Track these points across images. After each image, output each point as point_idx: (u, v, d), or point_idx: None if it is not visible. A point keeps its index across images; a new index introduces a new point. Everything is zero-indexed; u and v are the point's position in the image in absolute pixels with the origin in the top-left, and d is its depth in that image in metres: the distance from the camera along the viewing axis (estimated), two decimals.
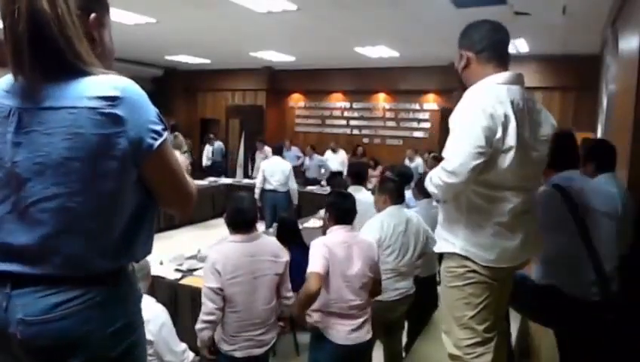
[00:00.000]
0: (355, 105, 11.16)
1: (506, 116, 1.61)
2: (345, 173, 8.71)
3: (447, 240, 1.80)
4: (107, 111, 0.98)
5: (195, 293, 3.30)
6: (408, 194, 4.10)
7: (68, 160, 0.98)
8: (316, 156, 9.29)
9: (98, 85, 1.00)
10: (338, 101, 11.34)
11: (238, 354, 2.44)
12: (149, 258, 1.32)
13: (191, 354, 2.39)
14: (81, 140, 0.98)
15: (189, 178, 1.18)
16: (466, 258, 1.75)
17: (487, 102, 1.62)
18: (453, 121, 1.67)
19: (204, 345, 2.43)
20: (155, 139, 1.04)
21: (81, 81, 1.00)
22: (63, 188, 0.99)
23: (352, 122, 11.18)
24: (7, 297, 1.02)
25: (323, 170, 9.07)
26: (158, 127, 1.05)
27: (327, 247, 2.43)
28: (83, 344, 1.04)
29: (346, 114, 11.27)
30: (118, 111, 0.99)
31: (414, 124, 10.30)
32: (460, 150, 1.61)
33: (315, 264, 2.39)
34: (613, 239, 2.08)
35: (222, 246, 2.51)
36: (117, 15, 6.12)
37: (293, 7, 5.48)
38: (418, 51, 7.86)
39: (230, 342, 2.44)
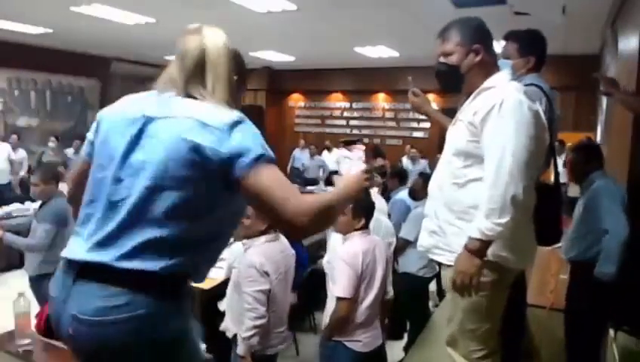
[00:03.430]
0: (354, 105, 11.16)
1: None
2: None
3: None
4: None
5: (194, 293, 3.30)
6: (404, 194, 4.10)
7: (164, 169, 1.07)
8: (316, 156, 9.30)
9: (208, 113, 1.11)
10: (338, 101, 11.34)
11: (270, 352, 2.44)
12: None
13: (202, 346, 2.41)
14: (179, 155, 1.06)
15: (301, 200, 1.09)
16: (495, 264, 1.64)
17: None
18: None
19: (250, 351, 2.36)
20: (246, 161, 1.07)
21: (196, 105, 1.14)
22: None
23: (352, 122, 11.18)
24: (68, 289, 1.08)
25: (322, 171, 9.08)
26: (251, 155, 1.07)
27: (350, 268, 2.32)
28: (124, 353, 1.06)
29: (345, 114, 11.28)
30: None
31: (414, 124, 10.31)
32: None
33: (343, 289, 2.31)
34: None
35: (260, 248, 2.44)
36: (117, 15, 6.12)
37: (293, 7, 5.48)
38: (418, 51, 7.85)
39: (264, 342, 2.41)
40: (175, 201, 1.05)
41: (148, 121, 1.11)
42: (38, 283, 3.24)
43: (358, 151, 1.50)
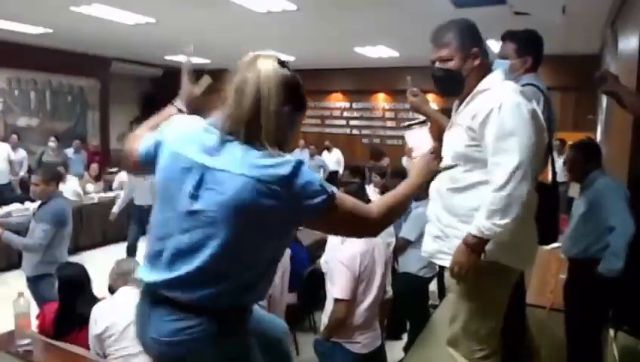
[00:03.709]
0: (354, 105, 11.16)
1: None
2: (341, 172, 8.75)
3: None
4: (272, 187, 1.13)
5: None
6: None
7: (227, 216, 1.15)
8: (316, 156, 9.30)
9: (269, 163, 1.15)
10: (338, 101, 11.33)
11: None
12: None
13: None
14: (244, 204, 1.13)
15: (367, 211, 1.27)
16: (500, 264, 1.64)
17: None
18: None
19: None
20: (315, 207, 1.16)
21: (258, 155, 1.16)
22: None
23: (352, 122, 11.18)
24: (148, 314, 1.24)
25: (323, 171, 9.07)
26: (318, 198, 1.16)
27: (348, 269, 2.32)
28: None
29: (345, 114, 11.27)
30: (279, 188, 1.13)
31: None
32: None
33: (341, 290, 2.31)
34: None
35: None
36: (117, 15, 6.11)
37: (293, 7, 5.48)
38: (418, 51, 7.83)
39: None
40: (232, 247, 1.15)
41: (205, 170, 1.16)
42: (36, 283, 3.24)
43: (423, 133, 1.50)
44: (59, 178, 3.55)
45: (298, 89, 1.31)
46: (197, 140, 1.21)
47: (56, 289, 2.69)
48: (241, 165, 1.14)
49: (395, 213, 1.37)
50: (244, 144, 1.16)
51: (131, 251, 5.51)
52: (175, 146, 1.23)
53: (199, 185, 1.17)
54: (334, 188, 1.21)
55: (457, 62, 1.68)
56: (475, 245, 1.58)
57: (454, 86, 1.72)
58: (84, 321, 2.35)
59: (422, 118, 1.67)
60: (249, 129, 1.16)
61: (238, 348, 1.28)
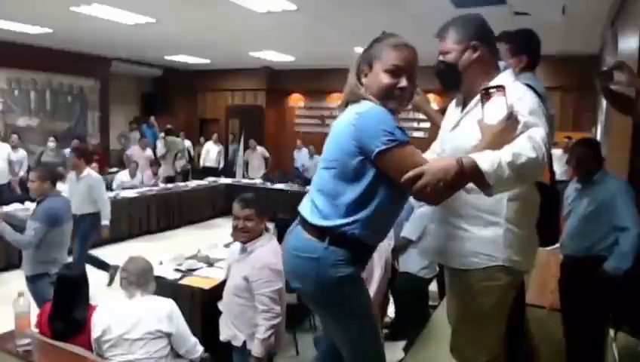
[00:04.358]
0: None
1: None
2: None
3: (480, 253, 1.62)
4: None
5: (195, 293, 3.30)
6: None
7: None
8: (316, 156, 9.31)
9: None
10: (338, 101, 11.27)
11: (273, 351, 2.47)
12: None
13: (201, 348, 2.43)
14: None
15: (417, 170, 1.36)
16: (508, 268, 1.61)
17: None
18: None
19: (268, 351, 2.38)
20: (377, 146, 1.42)
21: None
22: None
23: None
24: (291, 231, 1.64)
25: None
26: (382, 139, 1.42)
27: None
28: (306, 279, 1.56)
29: None
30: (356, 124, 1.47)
31: (414, 124, 10.29)
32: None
33: None
34: None
35: (268, 246, 2.48)
36: (117, 15, 6.12)
37: (292, 7, 5.48)
38: (418, 51, 7.86)
39: (277, 342, 2.44)
40: (338, 176, 1.50)
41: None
42: (34, 283, 3.24)
43: (499, 98, 1.44)
44: (55, 177, 3.54)
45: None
46: None
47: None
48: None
49: None
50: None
51: (92, 261, 4.86)
52: None
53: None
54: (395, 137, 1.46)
55: (455, 54, 1.66)
56: (468, 174, 1.35)
57: (452, 79, 1.71)
58: (78, 324, 2.36)
59: (498, 85, 1.50)
60: None
61: (340, 273, 1.51)
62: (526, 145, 1.37)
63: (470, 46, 1.64)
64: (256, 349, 2.34)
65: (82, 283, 2.52)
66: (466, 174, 1.35)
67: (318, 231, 1.52)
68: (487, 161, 1.34)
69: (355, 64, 1.61)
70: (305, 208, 1.60)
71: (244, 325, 2.42)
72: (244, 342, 2.41)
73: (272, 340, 2.34)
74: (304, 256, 1.54)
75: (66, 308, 2.41)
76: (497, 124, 1.43)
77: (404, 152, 1.43)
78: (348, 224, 1.49)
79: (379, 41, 1.56)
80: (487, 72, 1.65)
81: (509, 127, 1.41)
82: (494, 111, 1.44)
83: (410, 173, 1.35)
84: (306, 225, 1.56)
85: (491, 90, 1.46)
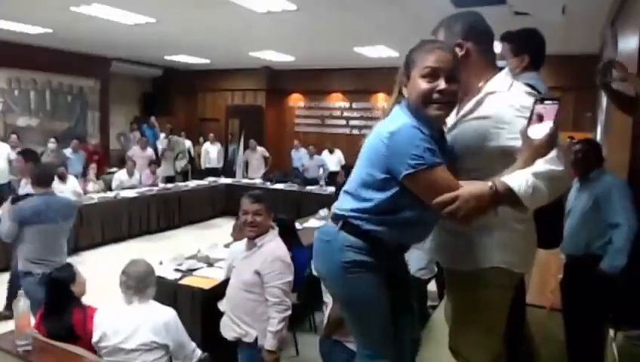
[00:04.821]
0: (354, 105, 11.16)
1: None
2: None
3: (478, 254, 1.61)
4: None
5: (195, 293, 3.30)
6: None
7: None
8: (316, 156, 9.30)
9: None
10: (338, 101, 11.33)
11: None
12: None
13: (199, 351, 2.42)
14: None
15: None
16: (505, 269, 1.60)
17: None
18: None
19: (281, 343, 2.42)
20: (406, 169, 1.41)
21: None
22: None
23: (352, 122, 11.17)
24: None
25: (322, 170, 9.08)
26: (411, 162, 1.39)
27: None
28: (317, 259, 1.68)
29: (345, 114, 11.27)
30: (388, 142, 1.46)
31: None
32: None
33: None
34: None
35: (277, 240, 2.55)
36: (117, 15, 6.11)
37: (292, 7, 5.48)
38: None
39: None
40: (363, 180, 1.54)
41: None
42: (22, 279, 3.25)
43: (553, 110, 1.38)
44: (37, 158, 3.56)
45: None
46: None
47: (42, 289, 2.72)
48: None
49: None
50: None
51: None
52: None
53: None
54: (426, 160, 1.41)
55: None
56: (503, 199, 1.36)
57: None
58: (65, 326, 2.36)
59: (556, 96, 1.46)
60: None
61: (345, 260, 1.56)
62: (554, 159, 1.37)
63: (456, 44, 1.60)
64: (269, 342, 2.36)
65: (67, 285, 2.50)
66: (501, 199, 1.37)
67: (335, 218, 1.61)
68: (521, 183, 1.35)
69: (397, 77, 1.55)
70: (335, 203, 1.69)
71: (256, 321, 2.43)
72: (256, 338, 2.42)
73: (284, 333, 2.37)
74: (320, 238, 1.65)
75: (53, 309, 2.43)
76: (540, 139, 1.37)
77: (434, 175, 1.39)
78: (360, 214, 1.53)
79: (414, 49, 1.51)
80: (478, 72, 1.61)
81: (549, 143, 1.36)
82: (540, 124, 1.39)
83: (443, 198, 1.36)
84: (332, 215, 1.66)
85: (546, 101, 1.41)
